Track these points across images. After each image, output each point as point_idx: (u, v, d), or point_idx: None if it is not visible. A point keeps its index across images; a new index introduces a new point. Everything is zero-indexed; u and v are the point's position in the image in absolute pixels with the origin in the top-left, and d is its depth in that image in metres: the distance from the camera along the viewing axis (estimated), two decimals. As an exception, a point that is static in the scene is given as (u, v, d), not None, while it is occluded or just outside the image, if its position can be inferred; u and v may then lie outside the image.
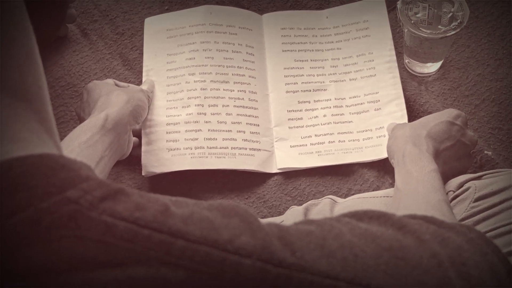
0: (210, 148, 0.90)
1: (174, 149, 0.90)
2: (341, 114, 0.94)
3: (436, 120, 0.79)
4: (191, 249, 0.32)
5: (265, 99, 0.95)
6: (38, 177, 0.31)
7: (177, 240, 0.32)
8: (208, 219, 0.34)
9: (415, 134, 0.77)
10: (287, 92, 0.96)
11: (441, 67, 0.98)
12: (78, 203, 0.31)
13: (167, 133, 0.91)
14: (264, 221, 0.38)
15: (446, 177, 0.76)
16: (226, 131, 0.91)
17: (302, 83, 0.96)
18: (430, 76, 0.98)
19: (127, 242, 0.31)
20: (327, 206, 0.80)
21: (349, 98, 0.95)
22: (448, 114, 0.80)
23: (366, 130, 0.92)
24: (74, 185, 0.32)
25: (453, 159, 0.78)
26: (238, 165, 0.89)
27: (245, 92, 0.94)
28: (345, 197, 0.85)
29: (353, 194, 0.85)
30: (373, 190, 0.86)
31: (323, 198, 0.83)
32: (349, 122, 0.93)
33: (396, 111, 0.92)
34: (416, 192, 0.69)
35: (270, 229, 0.35)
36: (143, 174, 0.89)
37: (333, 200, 0.81)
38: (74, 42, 1.02)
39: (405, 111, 0.91)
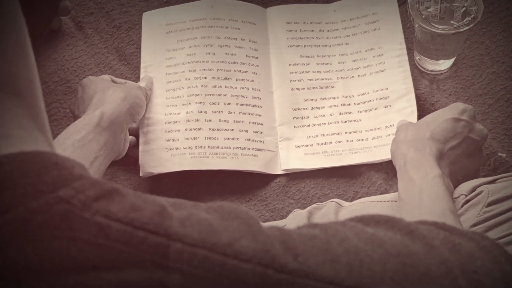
0: (211, 147, 0.90)
1: (173, 149, 0.90)
2: (349, 113, 0.94)
3: (440, 118, 0.78)
4: (188, 253, 0.32)
5: (269, 97, 0.95)
6: (29, 175, 0.31)
7: (174, 242, 0.32)
8: (207, 221, 0.34)
9: (418, 137, 0.77)
10: (292, 89, 0.96)
11: (453, 64, 0.97)
12: (70, 203, 0.31)
13: (166, 132, 0.91)
14: (266, 224, 0.39)
15: (456, 180, 0.76)
16: (228, 130, 0.91)
17: (308, 80, 0.96)
18: (441, 74, 0.97)
19: (122, 244, 0.31)
20: (331, 210, 0.79)
21: (358, 95, 0.95)
22: (453, 110, 0.79)
23: (375, 129, 0.92)
24: (66, 184, 0.32)
25: (463, 157, 0.77)
26: (241, 166, 0.89)
27: (248, 90, 0.94)
28: (351, 201, 0.84)
29: (359, 198, 0.85)
30: (380, 194, 0.86)
31: (328, 201, 0.83)
32: (358, 120, 0.93)
33: (406, 107, 0.92)
34: (419, 200, 0.69)
35: (272, 233, 0.35)
36: (140, 174, 0.89)
37: (338, 204, 0.81)
38: (68, 35, 1.02)
39: (415, 107, 0.91)
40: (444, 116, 0.78)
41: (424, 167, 0.72)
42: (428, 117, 0.81)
